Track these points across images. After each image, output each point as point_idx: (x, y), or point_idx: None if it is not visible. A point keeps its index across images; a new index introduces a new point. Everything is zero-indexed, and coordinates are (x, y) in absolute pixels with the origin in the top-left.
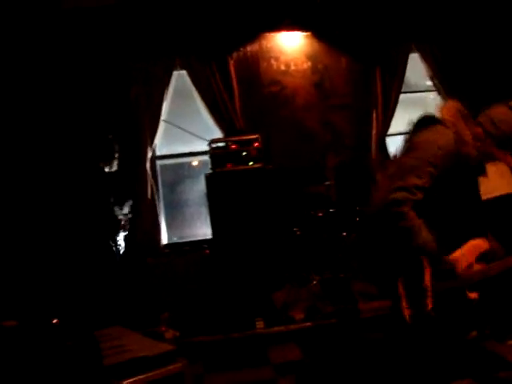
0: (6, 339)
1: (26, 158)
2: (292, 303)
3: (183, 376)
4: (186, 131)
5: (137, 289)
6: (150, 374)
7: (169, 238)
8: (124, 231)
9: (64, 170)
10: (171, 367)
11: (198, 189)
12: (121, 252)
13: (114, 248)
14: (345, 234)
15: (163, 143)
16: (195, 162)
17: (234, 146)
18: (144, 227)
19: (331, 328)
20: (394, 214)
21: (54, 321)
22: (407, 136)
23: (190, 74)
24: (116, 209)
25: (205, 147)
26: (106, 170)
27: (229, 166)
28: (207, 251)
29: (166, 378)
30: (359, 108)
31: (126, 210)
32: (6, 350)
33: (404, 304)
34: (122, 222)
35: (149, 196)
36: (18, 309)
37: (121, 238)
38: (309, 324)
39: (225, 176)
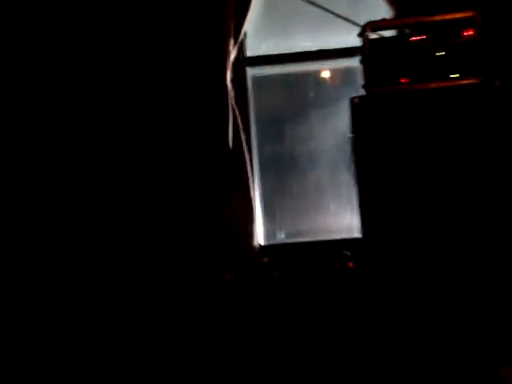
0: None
1: None
2: None
3: None
4: (309, 3)
5: (200, 342)
6: None
7: (270, 234)
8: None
9: None
10: None
11: (331, 130)
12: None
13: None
14: None
15: (260, 33)
16: (327, 71)
17: (415, 38)
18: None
19: None
20: None
21: None
22: None
23: None
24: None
25: (351, 41)
26: None
27: (403, 80)
28: (350, 264)
29: None
30: None
31: None
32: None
33: None
34: None
35: (230, 142)
36: None
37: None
38: None
39: (395, 103)
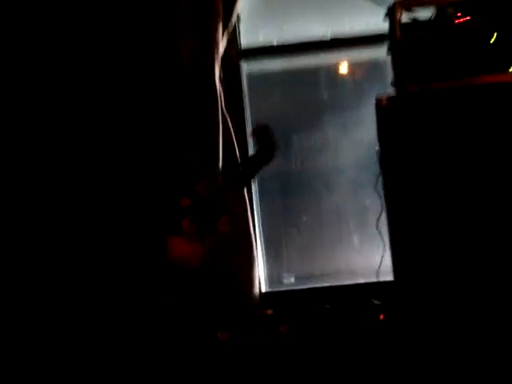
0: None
1: None
2: None
3: None
4: None
5: None
6: None
7: (274, 277)
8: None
9: None
10: None
11: (352, 141)
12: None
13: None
14: None
15: (257, 17)
16: (344, 65)
17: (460, 20)
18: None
19: None
20: None
21: None
22: None
23: None
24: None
25: (375, 25)
26: None
27: (445, 75)
28: (381, 316)
29: None
30: None
31: None
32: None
33: None
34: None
35: (220, 158)
36: None
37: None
38: None
39: (434, 105)
